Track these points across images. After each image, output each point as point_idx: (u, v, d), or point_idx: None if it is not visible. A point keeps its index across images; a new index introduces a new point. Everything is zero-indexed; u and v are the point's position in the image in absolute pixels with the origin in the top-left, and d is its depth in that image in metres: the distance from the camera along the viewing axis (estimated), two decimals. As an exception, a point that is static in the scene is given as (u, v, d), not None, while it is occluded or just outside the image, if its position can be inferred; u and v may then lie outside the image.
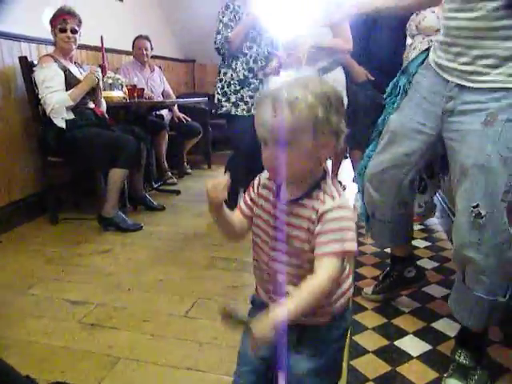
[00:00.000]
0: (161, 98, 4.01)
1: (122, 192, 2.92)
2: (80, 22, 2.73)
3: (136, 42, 3.88)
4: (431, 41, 2.32)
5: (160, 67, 4.26)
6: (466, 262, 1.26)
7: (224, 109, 2.82)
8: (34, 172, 2.93)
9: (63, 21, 2.66)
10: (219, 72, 2.86)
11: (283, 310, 0.77)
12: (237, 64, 2.78)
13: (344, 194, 0.86)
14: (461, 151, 1.26)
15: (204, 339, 1.60)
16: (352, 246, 0.80)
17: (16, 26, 2.66)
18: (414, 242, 2.19)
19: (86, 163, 2.85)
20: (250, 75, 2.78)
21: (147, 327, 1.69)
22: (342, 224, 0.80)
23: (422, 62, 1.47)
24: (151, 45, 3.91)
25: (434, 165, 2.21)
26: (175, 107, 4.18)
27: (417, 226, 2.63)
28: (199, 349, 1.55)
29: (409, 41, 2.84)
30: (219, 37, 2.71)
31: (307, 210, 0.83)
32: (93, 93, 2.81)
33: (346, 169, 4.00)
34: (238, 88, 2.79)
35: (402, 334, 1.61)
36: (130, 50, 3.95)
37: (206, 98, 4.28)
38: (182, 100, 4.33)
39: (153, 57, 4.14)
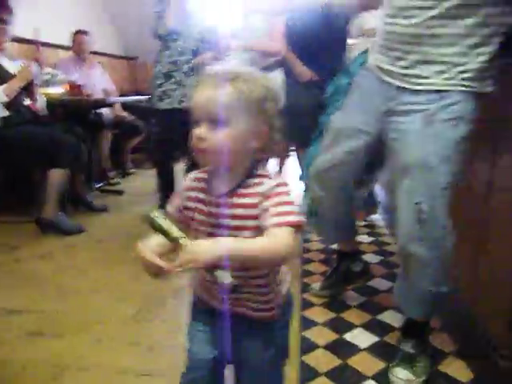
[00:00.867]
0: (101, 96, 3.87)
1: (63, 193, 2.78)
2: (11, 11, 2.58)
3: (75, 37, 3.73)
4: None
5: (99, 63, 4.11)
6: (411, 255, 1.31)
7: (151, 103, 2.87)
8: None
9: (-9, 10, 2.50)
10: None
11: (227, 242, 0.75)
12: (163, 58, 2.81)
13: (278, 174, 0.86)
14: (402, 150, 1.30)
15: (154, 342, 1.56)
16: (300, 218, 0.80)
17: None
18: (359, 238, 2.26)
19: (22, 163, 2.70)
20: (174, 68, 2.79)
21: (94, 332, 1.62)
22: (286, 198, 0.80)
23: (363, 63, 1.52)
24: (91, 40, 3.77)
25: (374, 162, 2.30)
26: (117, 105, 4.06)
27: (360, 222, 2.72)
28: (149, 353, 1.51)
29: (351, 41, 2.93)
30: (154, 22, 2.75)
31: (250, 198, 0.81)
32: (28, 88, 2.66)
33: (292, 167, 4.07)
34: (162, 82, 2.81)
35: (350, 327, 1.66)
36: (68, 44, 3.78)
37: (149, 96, 4.18)
38: (122, 98, 4.20)
39: (93, 53, 3.99)
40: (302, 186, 2.00)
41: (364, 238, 2.55)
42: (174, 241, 0.76)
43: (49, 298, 1.87)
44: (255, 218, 0.80)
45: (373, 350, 1.52)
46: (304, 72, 2.83)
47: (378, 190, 3.08)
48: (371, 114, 1.41)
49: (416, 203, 1.26)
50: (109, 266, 2.20)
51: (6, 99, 2.50)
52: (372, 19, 2.55)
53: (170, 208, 0.92)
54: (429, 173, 1.25)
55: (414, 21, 1.22)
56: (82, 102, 3.32)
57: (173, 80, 2.79)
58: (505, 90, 1.29)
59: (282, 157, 3.88)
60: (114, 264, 2.22)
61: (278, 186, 0.81)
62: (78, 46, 3.73)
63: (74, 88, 3.24)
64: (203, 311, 0.95)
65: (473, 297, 1.54)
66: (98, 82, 3.93)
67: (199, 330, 0.95)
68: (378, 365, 1.44)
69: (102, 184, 3.74)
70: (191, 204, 0.88)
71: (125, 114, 4.10)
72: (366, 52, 1.55)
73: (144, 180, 4.10)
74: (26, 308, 1.78)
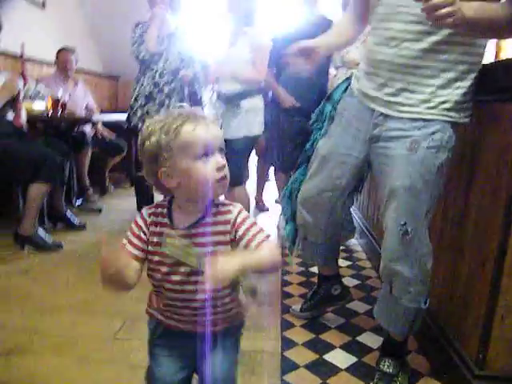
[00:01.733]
0: (83, 113, 3.86)
1: (41, 208, 2.75)
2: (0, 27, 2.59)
3: (60, 54, 3.69)
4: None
5: (80, 81, 4.10)
6: (394, 274, 1.38)
7: (132, 124, 2.92)
8: None
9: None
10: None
11: (238, 256, 0.84)
12: (144, 79, 2.88)
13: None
14: (390, 174, 1.37)
15: (136, 361, 1.54)
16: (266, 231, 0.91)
17: None
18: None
19: (3, 177, 2.65)
20: (156, 90, 2.86)
21: (74, 351, 1.61)
22: (253, 220, 0.91)
23: (345, 90, 1.58)
24: (76, 58, 3.77)
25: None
26: (99, 124, 4.05)
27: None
28: (131, 372, 1.50)
29: (332, 71, 3.05)
30: (135, 45, 2.86)
31: (220, 226, 0.89)
32: (13, 103, 2.65)
33: (269, 191, 4.14)
34: (144, 102, 2.88)
35: (329, 347, 1.70)
36: (51, 60, 3.76)
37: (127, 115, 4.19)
38: (104, 117, 4.19)
39: (76, 70, 3.98)
40: (278, 208, 2.05)
41: (341, 262, 2.60)
42: (194, 267, 0.82)
43: (27, 315, 1.84)
44: (226, 243, 0.89)
45: (352, 370, 1.56)
46: (286, 99, 2.93)
47: (355, 215, 3.17)
48: (357, 139, 1.47)
49: (402, 224, 1.33)
50: (89, 283, 2.17)
51: (-10, 112, 2.49)
52: (353, 50, 2.67)
53: (130, 248, 0.95)
54: (414, 196, 1.32)
55: (400, 51, 1.29)
56: (65, 119, 3.33)
57: (156, 101, 2.87)
58: (478, 122, 1.40)
59: (261, 180, 3.94)
60: (94, 281, 2.14)
61: (240, 212, 0.91)
62: (62, 63, 3.69)
63: (59, 104, 3.23)
64: (166, 335, 1.00)
65: (447, 315, 1.60)
66: (81, 99, 3.92)
67: (164, 355, 1.00)
68: (357, 384, 1.48)
69: (81, 201, 3.70)
70: (157, 239, 0.92)
71: (106, 132, 4.09)
72: (349, 78, 1.61)
73: (122, 198, 4.09)
74: (1, 325, 1.75)
